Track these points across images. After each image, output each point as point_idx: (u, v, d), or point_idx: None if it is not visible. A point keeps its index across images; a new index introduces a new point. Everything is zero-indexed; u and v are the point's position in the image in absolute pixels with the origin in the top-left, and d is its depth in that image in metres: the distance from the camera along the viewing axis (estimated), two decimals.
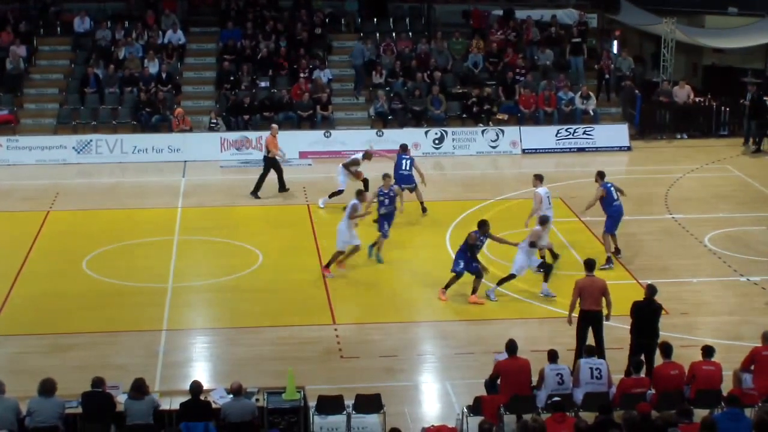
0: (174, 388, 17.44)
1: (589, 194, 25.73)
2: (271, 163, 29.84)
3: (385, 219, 24.97)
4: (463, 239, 22.57)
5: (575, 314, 19.12)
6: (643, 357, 17.92)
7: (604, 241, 24.62)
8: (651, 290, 18.70)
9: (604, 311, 18.90)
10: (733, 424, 14.79)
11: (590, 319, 18.92)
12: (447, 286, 22.63)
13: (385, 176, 25.29)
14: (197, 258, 25.41)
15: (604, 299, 18.90)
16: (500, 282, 22.59)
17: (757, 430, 14.33)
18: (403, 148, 27.99)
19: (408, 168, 27.41)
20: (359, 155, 28.37)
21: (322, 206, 28.46)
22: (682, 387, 16.82)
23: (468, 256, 22.38)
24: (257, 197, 29.56)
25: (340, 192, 28.15)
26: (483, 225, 22.43)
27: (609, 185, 24.42)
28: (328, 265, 23.84)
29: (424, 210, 27.66)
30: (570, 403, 16.33)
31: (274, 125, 30.91)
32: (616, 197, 24.41)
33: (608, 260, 24.26)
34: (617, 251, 24.83)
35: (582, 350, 18.07)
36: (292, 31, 38.48)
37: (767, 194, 29.67)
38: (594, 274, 19.25)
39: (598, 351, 18.21)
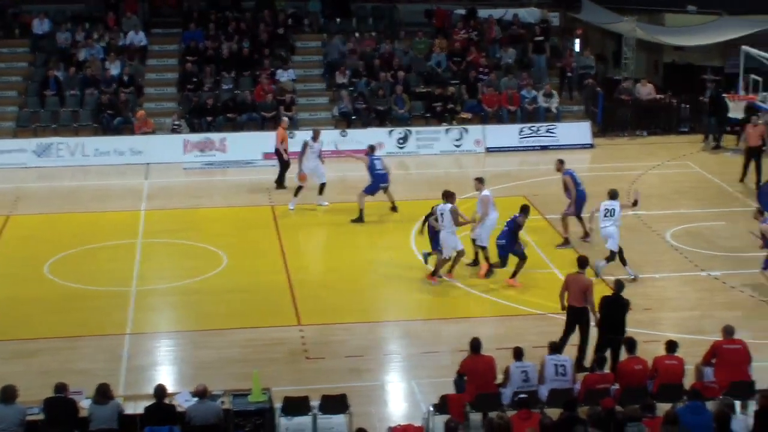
0: (138, 393, 17.36)
1: (554, 192, 25.93)
2: (279, 155, 30.10)
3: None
4: (428, 238, 22.74)
5: None
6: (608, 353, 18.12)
7: (561, 224, 25.34)
8: (618, 286, 18.85)
9: None
10: (695, 417, 14.91)
11: (572, 314, 19.18)
12: (515, 274, 23.19)
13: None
14: (161, 261, 25.31)
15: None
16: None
17: (718, 423, 14.44)
18: (372, 149, 28.03)
19: (381, 167, 27.44)
20: (308, 139, 28.72)
21: (324, 204, 28.58)
22: (645, 382, 16.94)
23: (514, 238, 23.00)
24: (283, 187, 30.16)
25: (323, 185, 28.53)
26: (525, 209, 23.34)
27: (571, 171, 25.31)
28: (434, 273, 23.33)
29: (394, 209, 27.66)
30: (535, 399, 16.40)
31: (285, 118, 31.29)
32: (579, 182, 25.30)
33: (566, 241, 25.22)
34: (587, 235, 25.48)
35: (563, 343, 18.48)
36: (254, 31, 38.40)
37: (727, 190, 29.88)
38: (583, 272, 19.44)
39: (581, 347, 18.82)
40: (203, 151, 33.59)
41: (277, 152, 30.34)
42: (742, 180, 30.64)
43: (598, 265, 23.19)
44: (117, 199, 29.97)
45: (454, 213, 22.92)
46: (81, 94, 35.81)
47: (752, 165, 30.32)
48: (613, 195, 24.12)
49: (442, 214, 22.97)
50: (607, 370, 17.27)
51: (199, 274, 24.09)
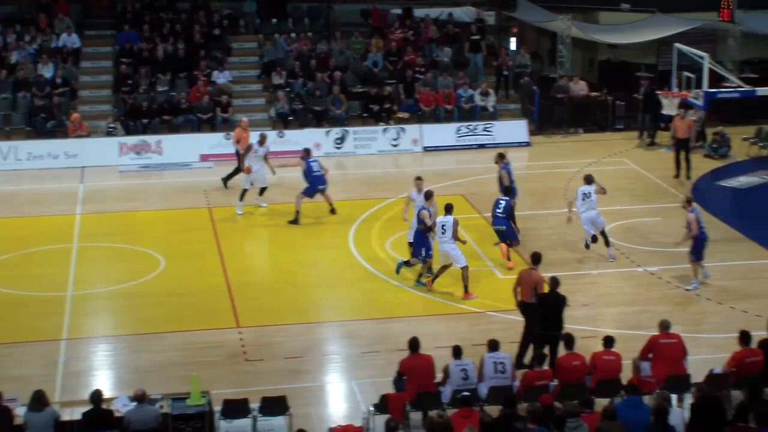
0: (75, 399, 17.18)
1: (492, 190, 26.08)
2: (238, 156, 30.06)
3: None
4: (366, 238, 22.75)
5: None
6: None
7: None
8: (554, 282, 18.96)
9: None
10: (632, 411, 15.03)
11: (524, 309, 19.34)
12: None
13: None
14: (98, 265, 25.09)
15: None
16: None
17: (656, 417, 14.57)
18: (307, 152, 27.91)
19: (319, 169, 27.36)
20: (254, 142, 28.45)
21: (264, 205, 28.37)
22: (584, 377, 17.05)
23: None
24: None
25: (263, 189, 28.31)
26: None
27: (509, 166, 25.60)
28: (466, 290, 22.70)
29: (333, 211, 27.58)
30: (475, 397, 16.45)
31: (244, 119, 31.13)
32: (513, 179, 25.55)
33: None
34: (516, 230, 25.59)
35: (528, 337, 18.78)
36: (190, 32, 38.18)
37: (662, 186, 30.17)
38: (536, 268, 19.58)
39: (524, 342, 18.96)
40: (139, 153, 33.33)
41: (237, 152, 30.27)
42: (677, 176, 30.99)
43: (611, 255, 24.53)
44: (52, 203, 29.65)
45: (456, 225, 22.72)
46: (13, 97, 35.35)
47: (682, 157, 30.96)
48: (588, 180, 24.92)
49: (444, 225, 22.59)
50: (545, 366, 17.36)
51: (136, 277, 23.90)
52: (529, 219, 26.95)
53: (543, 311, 18.82)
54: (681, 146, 31.05)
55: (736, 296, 22.53)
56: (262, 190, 28.42)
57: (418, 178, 24.43)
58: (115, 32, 38.57)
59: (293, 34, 39.11)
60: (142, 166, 33.02)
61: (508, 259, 24.30)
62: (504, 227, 24.39)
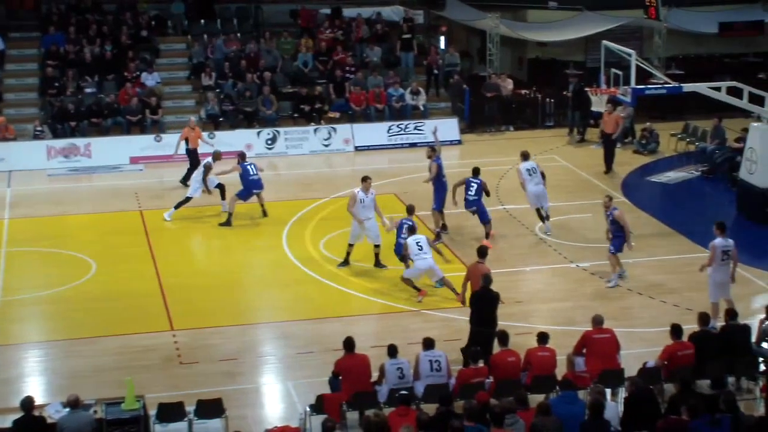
0: (5, 406, 17.00)
1: (425, 189, 26.20)
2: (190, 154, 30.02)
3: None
4: (300, 239, 22.73)
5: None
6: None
7: (433, 218, 25.73)
8: (486, 279, 19.06)
9: None
10: (567, 406, 15.14)
11: (474, 302, 19.40)
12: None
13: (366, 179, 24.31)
14: (27, 270, 24.75)
15: None
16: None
17: (591, 411, 14.69)
18: (243, 156, 27.76)
19: (255, 172, 27.24)
20: (209, 160, 27.92)
21: (168, 219, 27.70)
22: (519, 374, 17.15)
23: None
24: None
25: (188, 200, 27.75)
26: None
27: (440, 160, 25.82)
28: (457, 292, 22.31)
29: (264, 214, 27.46)
30: (411, 396, 16.46)
31: (192, 118, 31.00)
32: (443, 174, 25.75)
33: (437, 236, 25.40)
34: (444, 227, 25.93)
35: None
36: (117, 34, 37.83)
37: (593, 182, 30.43)
38: (483, 261, 19.75)
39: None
40: (68, 156, 32.97)
41: (190, 152, 30.18)
42: (607, 172, 31.32)
43: (547, 229, 25.97)
44: None
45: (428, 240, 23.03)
46: None
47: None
48: (526, 156, 26.46)
49: (419, 243, 22.39)
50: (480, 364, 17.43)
51: (67, 282, 23.64)
52: (462, 216, 27.02)
53: (476, 308, 18.91)
54: (608, 141, 31.48)
55: (667, 290, 22.79)
56: (222, 192, 28.04)
57: (366, 178, 24.27)
58: (41, 34, 38.09)
59: (222, 35, 38.96)
60: (71, 169, 32.66)
61: (487, 237, 25.27)
62: (476, 207, 25.33)
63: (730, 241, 20.55)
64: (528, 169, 25.99)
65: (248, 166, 27.25)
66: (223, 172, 27.67)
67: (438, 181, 25.74)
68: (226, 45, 37.98)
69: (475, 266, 19.78)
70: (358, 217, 23.54)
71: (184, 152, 30.36)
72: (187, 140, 30.15)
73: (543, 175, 26.10)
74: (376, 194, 24.23)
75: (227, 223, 26.89)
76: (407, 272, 22.34)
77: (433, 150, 26.14)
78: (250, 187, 27.04)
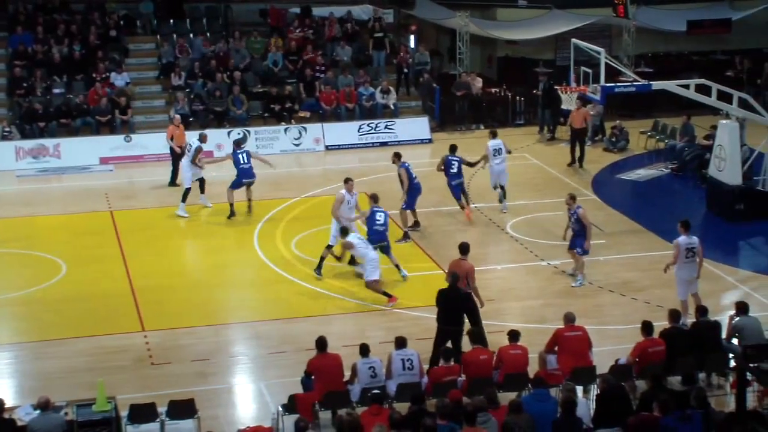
0: None
1: (395, 188, 26.19)
2: (172, 152, 29.92)
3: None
4: (271, 238, 22.74)
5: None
6: (450, 344, 18.34)
7: (401, 217, 25.76)
8: (453, 278, 19.12)
9: None
10: (539, 404, 15.16)
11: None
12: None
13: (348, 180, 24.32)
14: None
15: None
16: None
17: (563, 409, 14.74)
18: (237, 144, 27.94)
19: (246, 161, 27.24)
20: (196, 143, 28.02)
21: (185, 215, 27.73)
22: (491, 372, 17.18)
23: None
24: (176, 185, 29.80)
25: (188, 190, 27.82)
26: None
27: (407, 164, 25.91)
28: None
29: (249, 209, 27.32)
30: (384, 395, 16.47)
31: (177, 116, 30.90)
32: (414, 175, 25.90)
33: (405, 235, 25.58)
34: (417, 224, 26.13)
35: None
36: (86, 34, 37.64)
37: (563, 180, 30.53)
38: (466, 258, 19.75)
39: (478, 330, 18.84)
40: (37, 157, 32.78)
41: (171, 150, 30.09)
42: (571, 164, 31.54)
43: (505, 206, 27.70)
44: None
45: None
46: None
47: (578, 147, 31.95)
48: (494, 134, 28.34)
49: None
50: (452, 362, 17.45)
51: (37, 283, 23.51)
52: (433, 215, 27.09)
53: (442, 307, 18.95)
54: (577, 136, 31.70)
55: (638, 288, 22.88)
56: (202, 187, 28.14)
57: (349, 180, 24.22)
58: (8, 34, 37.82)
59: (191, 35, 38.87)
60: (40, 170, 32.48)
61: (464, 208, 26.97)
62: (463, 182, 27.14)
63: (694, 239, 20.65)
64: (495, 149, 27.70)
65: (239, 155, 27.28)
66: (215, 160, 27.69)
67: (411, 183, 25.81)
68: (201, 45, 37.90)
69: (458, 263, 19.75)
70: (345, 218, 23.47)
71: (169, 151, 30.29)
72: (173, 138, 29.98)
73: (509, 152, 28.39)
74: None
75: (232, 214, 26.96)
76: (369, 273, 22.24)
77: (398, 156, 26.14)
78: (241, 176, 27.02)
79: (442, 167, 26.90)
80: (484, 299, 20.56)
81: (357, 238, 22.54)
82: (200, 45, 37.84)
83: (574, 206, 22.96)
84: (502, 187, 27.81)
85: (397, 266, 23.36)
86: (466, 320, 19.06)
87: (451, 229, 26.52)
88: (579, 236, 22.91)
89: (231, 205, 27.09)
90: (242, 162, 27.23)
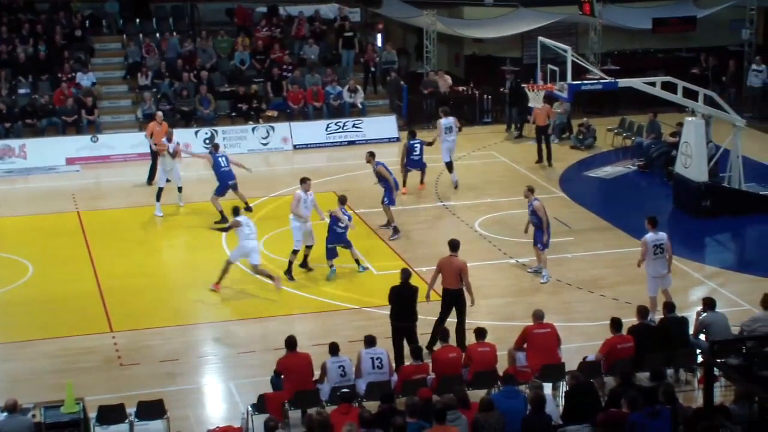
0: None
1: (363, 187, 26.22)
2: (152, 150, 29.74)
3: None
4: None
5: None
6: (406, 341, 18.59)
7: (387, 214, 26.07)
8: (406, 274, 19.24)
9: None
10: (509, 401, 15.22)
11: (449, 296, 19.52)
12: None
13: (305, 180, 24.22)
14: None
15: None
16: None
17: (532, 405, 14.79)
18: (216, 147, 27.85)
19: (227, 164, 27.15)
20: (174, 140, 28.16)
21: (161, 214, 27.74)
22: (460, 369, 17.22)
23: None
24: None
25: (161, 190, 27.81)
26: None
27: (382, 162, 26.18)
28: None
29: (248, 209, 27.07)
30: (353, 394, 16.48)
31: (159, 113, 30.62)
32: (391, 172, 26.27)
33: (395, 230, 25.84)
34: (389, 223, 26.14)
35: (441, 324, 18.95)
36: (51, 34, 37.43)
37: (531, 178, 30.55)
38: (456, 254, 19.67)
39: (458, 333, 19.10)
40: (2, 158, 32.52)
41: (150, 148, 29.96)
42: (539, 161, 31.61)
43: (455, 180, 29.58)
44: None
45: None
46: None
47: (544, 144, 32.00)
48: (447, 113, 30.09)
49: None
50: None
51: (3, 285, 23.38)
52: (402, 213, 27.11)
53: (396, 303, 19.00)
54: (541, 133, 31.78)
55: (606, 284, 22.98)
56: (179, 187, 28.06)
57: (306, 179, 24.20)
58: None
59: (158, 34, 38.74)
60: (5, 171, 32.23)
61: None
62: (424, 166, 28.97)
63: (662, 235, 20.75)
64: (447, 127, 29.58)
65: (219, 158, 27.15)
66: (195, 155, 28.02)
67: (386, 182, 25.94)
68: (163, 44, 37.75)
69: (449, 260, 19.64)
70: (303, 216, 23.46)
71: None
72: (152, 135, 29.73)
73: (459, 129, 30.39)
74: (316, 192, 24.27)
75: (223, 220, 26.36)
76: (232, 254, 22.98)
77: (372, 155, 26.21)
78: (224, 179, 26.88)
79: (405, 155, 28.45)
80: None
81: (246, 222, 22.80)
82: (176, 44, 37.69)
83: (531, 198, 23.05)
84: (449, 163, 29.70)
85: (357, 261, 23.64)
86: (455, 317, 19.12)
87: (420, 227, 26.58)
88: (538, 230, 22.99)
89: (221, 212, 26.66)
90: (223, 165, 27.00)
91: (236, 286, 23.23)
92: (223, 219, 26.38)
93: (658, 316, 19.50)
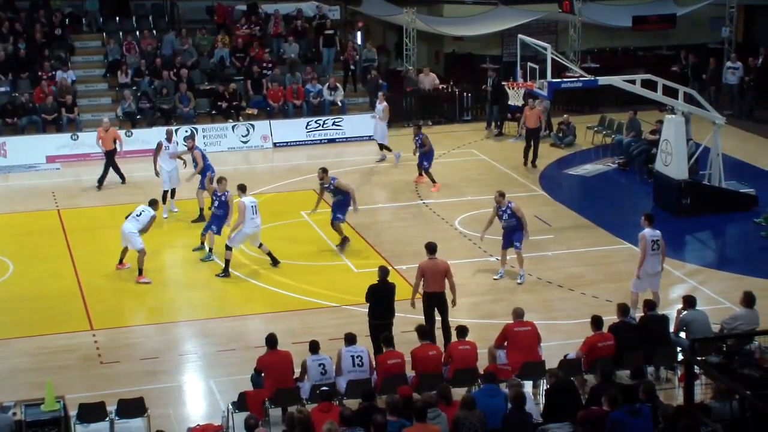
0: None
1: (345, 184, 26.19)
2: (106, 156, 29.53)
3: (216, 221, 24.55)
4: (218, 236, 22.77)
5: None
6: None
7: (337, 229, 25.04)
8: (383, 272, 19.28)
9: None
10: (490, 399, 15.24)
11: (434, 300, 19.48)
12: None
13: (221, 180, 24.52)
14: None
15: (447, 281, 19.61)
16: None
17: (513, 403, 14.82)
18: (194, 139, 28.02)
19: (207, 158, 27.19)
20: (162, 140, 27.97)
21: (172, 211, 27.66)
22: (440, 367, 17.24)
23: None
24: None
25: (166, 192, 27.53)
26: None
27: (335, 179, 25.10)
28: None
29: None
30: (334, 392, 16.48)
31: (105, 119, 30.44)
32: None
33: (345, 240, 25.06)
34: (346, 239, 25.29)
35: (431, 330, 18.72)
36: (31, 32, 37.30)
37: (511, 176, 30.63)
38: (436, 257, 19.61)
39: (445, 331, 19.17)
40: None
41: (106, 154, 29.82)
42: (525, 164, 31.55)
43: (397, 156, 31.60)
44: None
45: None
46: None
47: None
48: (381, 100, 32.32)
49: (253, 206, 23.68)
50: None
51: None
52: (381, 211, 27.14)
53: (374, 301, 19.03)
54: (531, 135, 31.69)
55: (586, 282, 23.03)
56: (173, 191, 27.69)
57: (222, 179, 24.45)
58: None
59: (138, 32, 38.65)
60: None
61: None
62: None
63: (658, 232, 20.84)
64: (382, 109, 31.83)
65: (203, 150, 27.37)
66: (183, 153, 27.67)
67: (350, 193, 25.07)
68: (143, 43, 37.68)
69: (433, 263, 19.53)
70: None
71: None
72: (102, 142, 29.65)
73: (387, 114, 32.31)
74: (296, 191, 24.28)
75: (201, 218, 26.60)
76: (235, 238, 23.25)
77: (324, 172, 24.96)
78: (209, 170, 26.65)
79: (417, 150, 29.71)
80: None
81: (251, 202, 23.44)
82: (173, 40, 37.60)
83: (505, 203, 22.94)
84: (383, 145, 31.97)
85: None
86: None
87: (398, 225, 26.59)
88: (518, 231, 22.88)
89: (201, 209, 26.81)
90: (207, 158, 27.10)
91: (215, 284, 23.20)
92: (201, 217, 26.41)
93: (638, 314, 19.53)
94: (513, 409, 14.80)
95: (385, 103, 32.43)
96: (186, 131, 32.54)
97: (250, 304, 22.27)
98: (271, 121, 35.11)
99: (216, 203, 24.58)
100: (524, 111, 31.88)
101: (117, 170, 29.94)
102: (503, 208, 22.90)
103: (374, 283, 19.15)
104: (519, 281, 23.01)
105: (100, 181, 29.85)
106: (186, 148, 27.64)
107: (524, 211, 23.35)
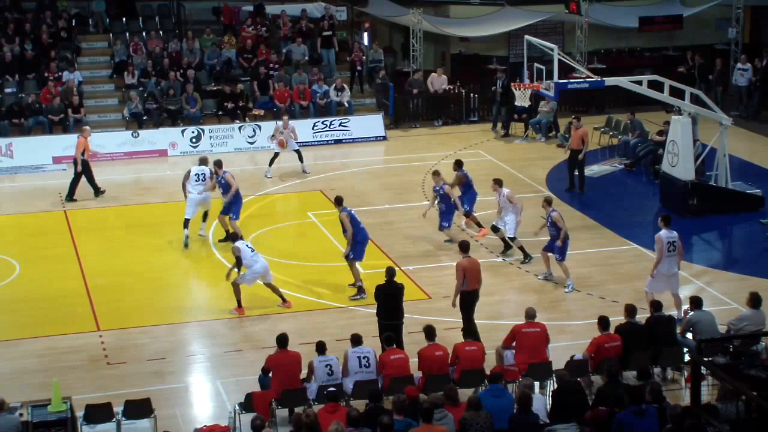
0: None
1: (349, 185, 26.17)
2: (84, 165, 28.88)
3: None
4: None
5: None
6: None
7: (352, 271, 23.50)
8: (390, 272, 19.33)
9: None
10: (496, 400, 15.24)
11: (474, 298, 19.65)
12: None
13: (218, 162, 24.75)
14: None
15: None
16: None
17: (519, 404, 14.82)
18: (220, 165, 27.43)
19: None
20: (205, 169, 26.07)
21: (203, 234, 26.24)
22: (447, 368, 17.23)
23: None
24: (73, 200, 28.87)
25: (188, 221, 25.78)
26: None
27: (349, 210, 23.10)
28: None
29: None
30: (341, 392, 16.50)
31: (87, 127, 30.11)
32: (360, 221, 23.04)
33: (360, 290, 23.12)
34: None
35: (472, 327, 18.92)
36: (37, 33, 37.35)
37: (517, 176, 30.58)
38: (470, 255, 19.75)
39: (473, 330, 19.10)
40: None
41: (74, 162, 29.08)
42: (570, 189, 29.73)
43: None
44: None
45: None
46: None
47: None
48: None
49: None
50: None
51: None
52: (389, 212, 27.11)
53: (382, 301, 19.09)
54: (574, 158, 29.65)
55: (594, 283, 23.01)
56: (205, 214, 26.06)
57: (216, 162, 24.78)
58: None
59: (144, 33, 38.69)
60: None
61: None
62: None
63: (674, 233, 20.84)
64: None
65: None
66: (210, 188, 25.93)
67: (356, 230, 22.80)
68: (150, 43, 37.72)
69: (471, 261, 19.71)
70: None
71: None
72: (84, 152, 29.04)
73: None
74: (302, 191, 24.23)
75: (227, 238, 24.65)
76: (244, 278, 21.69)
77: (339, 202, 22.97)
78: (238, 200, 25.49)
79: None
80: (440, 296, 20.60)
81: (246, 245, 21.81)
82: (170, 43, 37.68)
83: (549, 209, 22.90)
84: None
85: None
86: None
87: (404, 225, 26.55)
88: (555, 240, 22.74)
89: (227, 231, 25.12)
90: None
91: (223, 285, 23.16)
92: (228, 237, 24.49)
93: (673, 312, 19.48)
94: (519, 410, 14.80)
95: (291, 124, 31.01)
96: (193, 131, 32.57)
97: (256, 305, 22.23)
98: (277, 122, 35.05)
99: (221, 190, 24.81)
100: (572, 130, 30.22)
101: (75, 184, 29.14)
102: (547, 216, 22.82)
103: (381, 284, 19.22)
104: (567, 290, 22.71)
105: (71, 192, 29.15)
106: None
107: (527, 213, 23.29)
